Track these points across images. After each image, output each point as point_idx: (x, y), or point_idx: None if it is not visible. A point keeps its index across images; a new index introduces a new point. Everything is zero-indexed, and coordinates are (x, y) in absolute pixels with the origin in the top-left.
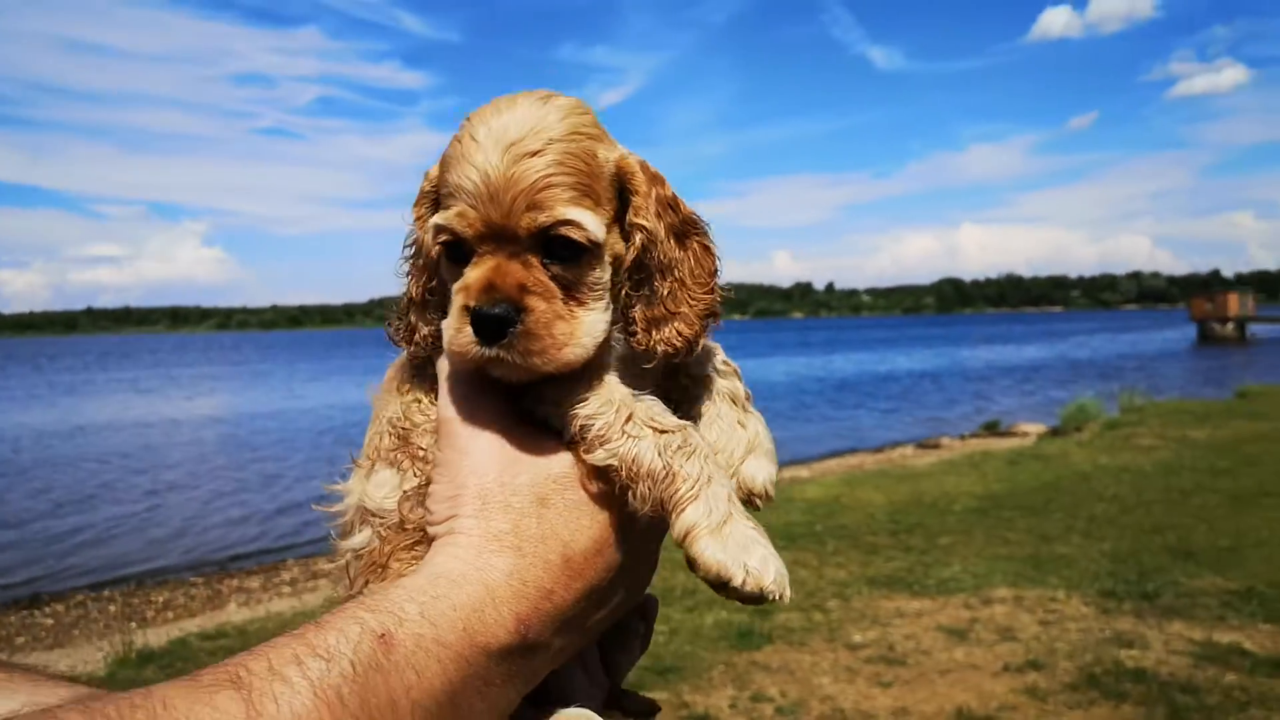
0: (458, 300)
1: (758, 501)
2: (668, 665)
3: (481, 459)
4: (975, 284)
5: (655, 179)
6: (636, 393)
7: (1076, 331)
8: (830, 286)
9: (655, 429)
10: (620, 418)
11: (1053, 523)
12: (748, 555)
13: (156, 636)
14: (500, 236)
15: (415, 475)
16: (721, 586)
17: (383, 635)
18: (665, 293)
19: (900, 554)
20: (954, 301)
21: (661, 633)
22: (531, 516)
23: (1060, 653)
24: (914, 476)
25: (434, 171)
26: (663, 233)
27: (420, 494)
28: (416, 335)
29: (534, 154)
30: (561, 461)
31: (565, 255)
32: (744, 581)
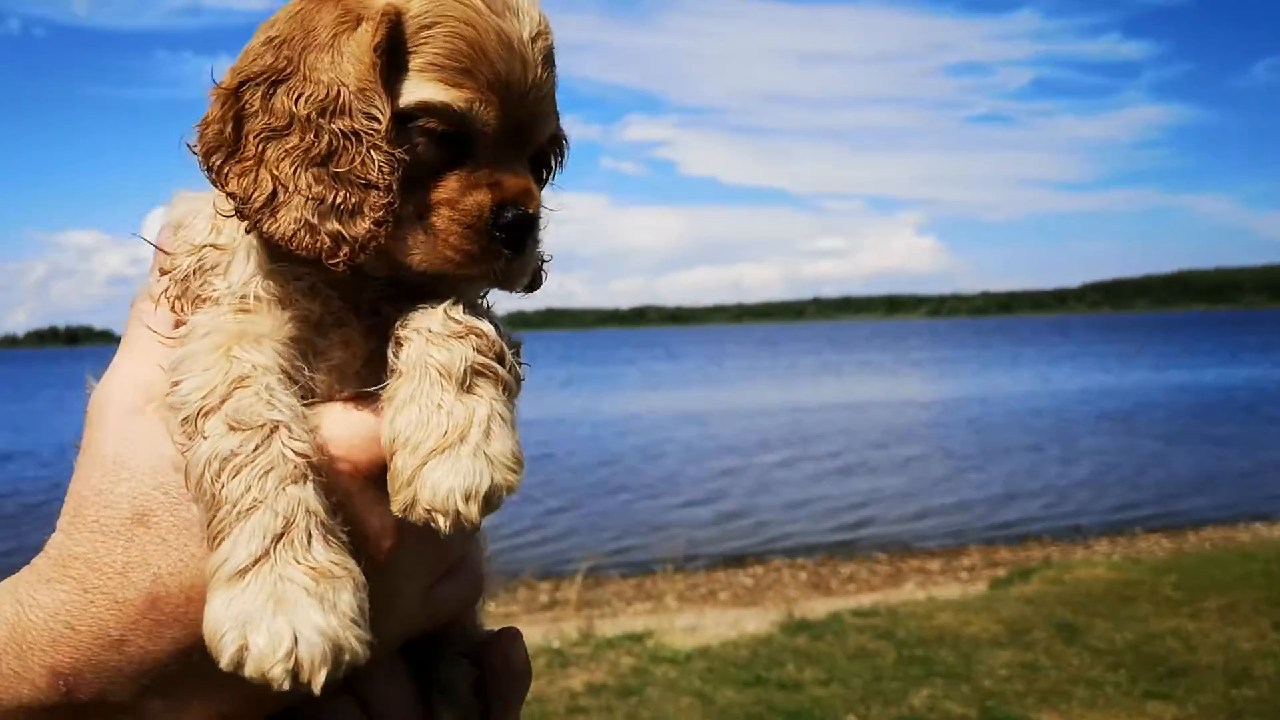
0: (473, 198)
1: (439, 520)
2: None
3: (91, 458)
4: None
5: None
6: (290, 365)
7: None
8: None
9: (231, 426)
10: (206, 404)
11: None
12: (256, 621)
13: None
14: (511, 142)
15: None
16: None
17: None
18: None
19: None
20: None
21: None
22: (119, 539)
23: None
24: None
25: (405, 5)
26: None
27: None
28: (340, 241)
29: (549, 53)
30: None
31: (536, 168)
32: (236, 657)
